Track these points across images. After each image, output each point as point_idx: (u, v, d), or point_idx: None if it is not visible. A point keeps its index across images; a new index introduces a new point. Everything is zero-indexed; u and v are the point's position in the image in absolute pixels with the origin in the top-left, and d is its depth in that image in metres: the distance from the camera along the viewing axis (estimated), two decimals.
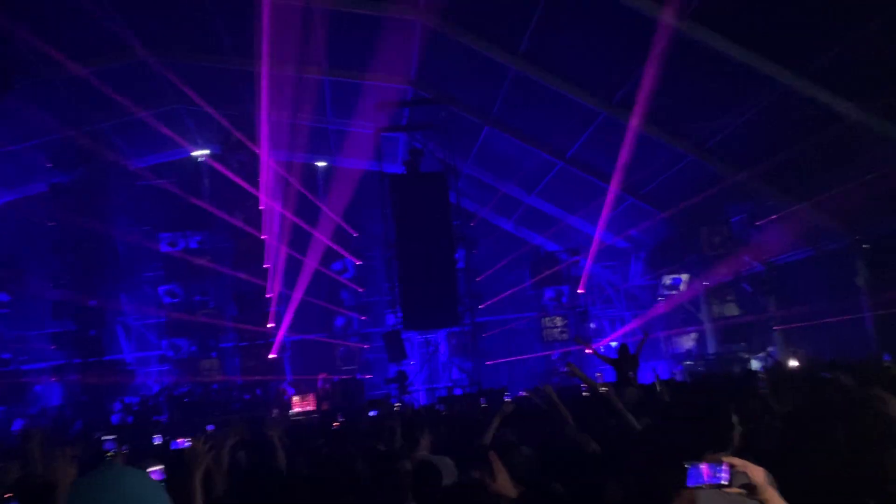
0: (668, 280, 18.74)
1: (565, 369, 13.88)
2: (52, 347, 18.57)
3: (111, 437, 5.29)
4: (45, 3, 14.11)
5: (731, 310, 17.10)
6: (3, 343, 19.30)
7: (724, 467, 2.26)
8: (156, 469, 3.78)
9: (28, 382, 19.12)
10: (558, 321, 19.96)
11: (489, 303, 19.04)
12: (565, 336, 19.91)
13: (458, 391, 17.16)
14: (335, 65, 17.20)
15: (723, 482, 2.26)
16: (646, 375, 11.89)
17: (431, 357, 19.40)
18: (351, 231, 20.40)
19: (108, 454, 4.91)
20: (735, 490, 2.29)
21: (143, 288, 21.31)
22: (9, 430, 16.64)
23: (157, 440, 11.51)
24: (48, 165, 18.70)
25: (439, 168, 17.68)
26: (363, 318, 20.14)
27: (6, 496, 4.50)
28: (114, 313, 19.71)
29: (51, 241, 18.45)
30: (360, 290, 20.25)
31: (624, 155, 16.78)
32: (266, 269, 19.18)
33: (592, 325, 20.65)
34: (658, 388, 8.03)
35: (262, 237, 19.27)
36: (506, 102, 16.66)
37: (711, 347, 17.22)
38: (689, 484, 2.28)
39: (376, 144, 17.55)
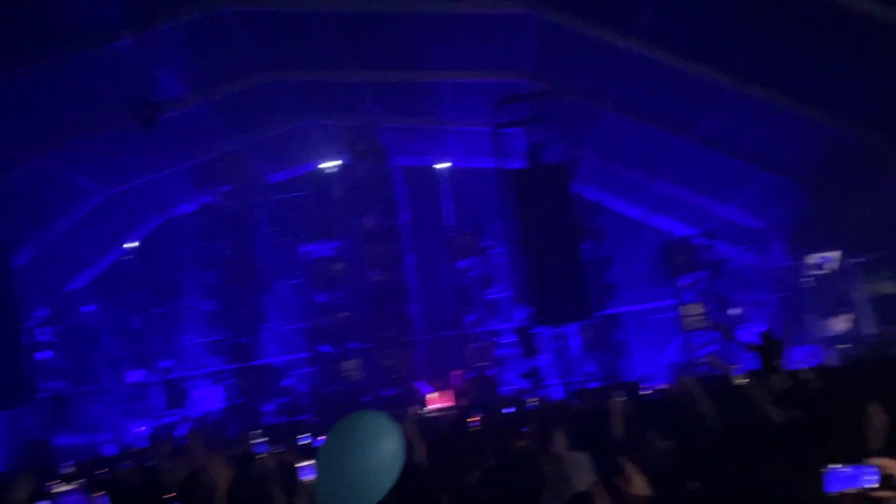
0: (815, 258, 17.55)
1: (707, 361, 13.37)
2: (208, 355, 20.03)
3: (261, 439, 5.60)
4: (176, 38, 15.22)
5: (890, 287, 15.76)
6: (164, 352, 21.02)
7: (871, 469, 2.05)
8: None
9: (188, 388, 20.73)
10: (697, 308, 19.18)
11: (622, 293, 18.57)
12: (706, 324, 19.10)
13: (593, 384, 16.91)
14: (451, 66, 17.44)
15: (868, 486, 2.03)
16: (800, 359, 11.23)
17: (564, 351, 19.20)
18: (476, 229, 20.56)
19: (258, 457, 5.22)
20: (886, 494, 2.04)
21: (287, 295, 22.53)
22: (173, 433, 18.13)
23: (304, 439, 12.18)
24: (195, 187, 20.12)
25: (562, 160, 17.48)
26: (493, 314, 20.25)
27: (170, 496, 4.91)
28: (261, 320, 20.94)
29: (202, 257, 19.88)
30: (489, 287, 20.36)
31: (756, 129, 15.97)
32: (396, 270, 19.72)
33: (735, 311, 19.68)
34: (804, 376, 7.55)
35: (392, 241, 19.83)
36: (626, 86, 16.26)
37: (868, 329, 15.95)
38: (828, 489, 2.07)
39: (497, 141, 17.59)
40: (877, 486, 2.02)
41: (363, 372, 19.65)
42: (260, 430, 15.73)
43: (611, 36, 14.67)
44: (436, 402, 18.60)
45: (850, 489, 2.05)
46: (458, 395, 18.35)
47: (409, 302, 20.46)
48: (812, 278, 18.01)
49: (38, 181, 18.18)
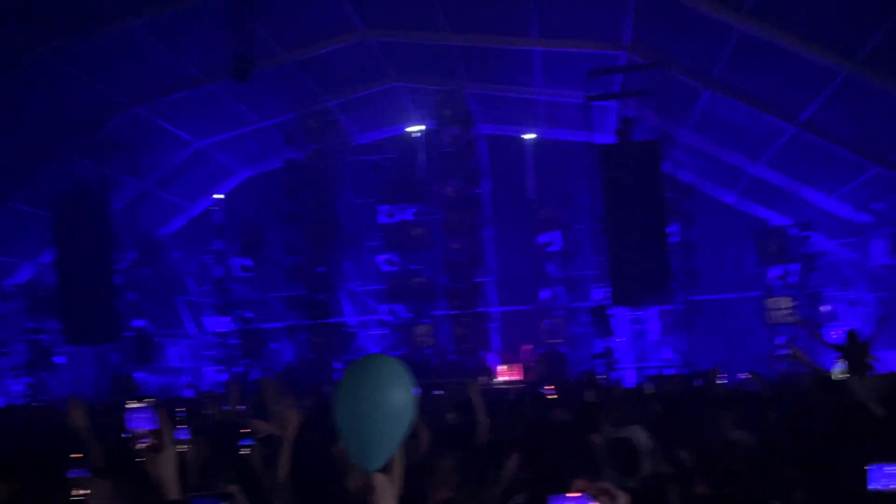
0: None
1: (789, 352, 12.71)
2: (287, 309, 20.51)
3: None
4: None
5: None
6: (247, 304, 21.65)
7: None
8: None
9: (266, 340, 21.34)
10: (785, 302, 18.30)
11: (707, 280, 17.89)
12: (792, 319, 18.23)
13: (668, 371, 16.44)
14: (545, 34, 16.99)
15: None
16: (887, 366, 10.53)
17: (641, 335, 18.73)
18: (559, 204, 20.16)
19: None
20: None
21: (365, 256, 22.79)
22: (247, 380, 18.70)
23: None
24: (283, 143, 20.44)
25: (653, 137, 16.87)
26: (570, 291, 19.92)
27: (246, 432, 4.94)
28: (339, 279, 21.27)
29: (286, 213, 20.25)
30: (568, 263, 19.99)
31: (867, 118, 14.95)
32: (475, 239, 19.60)
33: (826, 308, 18.70)
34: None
35: (473, 210, 19.67)
36: (729, 64, 15.45)
37: None
38: (871, 486, 2.05)
39: (586, 114, 17.10)
40: None
41: (434, 338, 19.73)
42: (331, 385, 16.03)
43: (716, 9, 13.92)
44: (504, 374, 18.51)
45: (893, 487, 2.03)
46: (526, 370, 18.20)
47: (485, 273, 20.33)
48: None
49: (137, 129, 18.86)
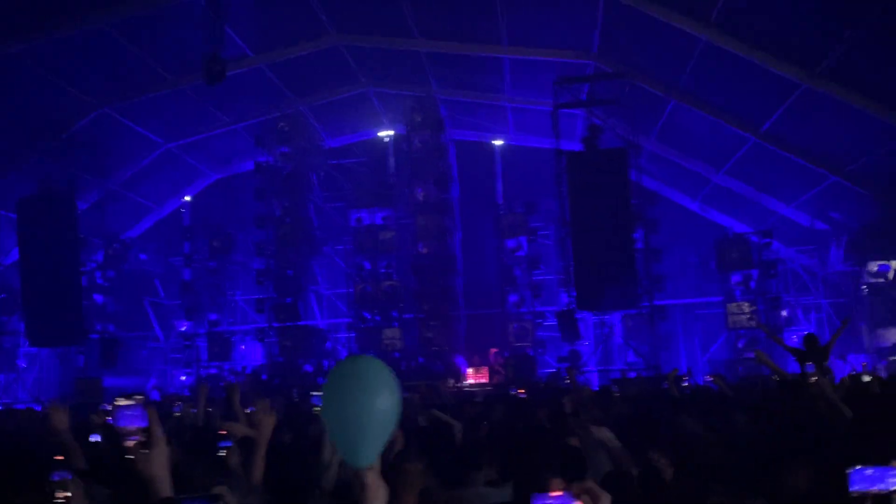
0: (874, 267, 17.01)
1: (752, 356, 13.11)
2: (255, 312, 20.43)
3: (319, 393, 5.77)
4: (250, 1, 15.36)
5: None
6: (213, 305, 21.51)
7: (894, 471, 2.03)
8: None
9: (234, 342, 21.21)
10: (746, 307, 18.78)
11: (670, 285, 18.29)
12: (753, 323, 18.71)
13: (632, 374, 16.76)
14: (514, 41, 17.24)
15: (893, 488, 2.04)
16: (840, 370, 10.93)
17: (606, 339, 19.06)
18: (526, 209, 20.41)
19: (315, 408, 5.45)
20: None
21: (334, 259, 22.81)
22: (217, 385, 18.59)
23: None
24: (253, 146, 20.38)
25: (619, 144, 17.22)
26: (536, 296, 20.18)
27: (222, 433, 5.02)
28: (308, 282, 21.24)
29: (255, 215, 20.18)
30: (534, 268, 20.24)
31: (826, 129, 15.45)
32: (445, 244, 19.75)
33: (784, 313, 19.24)
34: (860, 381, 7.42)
35: (443, 214, 19.83)
36: (694, 74, 15.85)
37: None
38: (852, 488, 2.08)
39: (554, 121, 17.39)
40: None
41: (403, 342, 19.83)
42: (300, 388, 16.05)
43: (682, 22, 14.29)
44: (472, 377, 18.69)
45: (874, 489, 2.05)
46: (492, 373, 18.38)
47: (454, 277, 20.50)
48: (869, 287, 17.49)
49: (105, 130, 18.66)
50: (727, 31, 13.95)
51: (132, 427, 2.14)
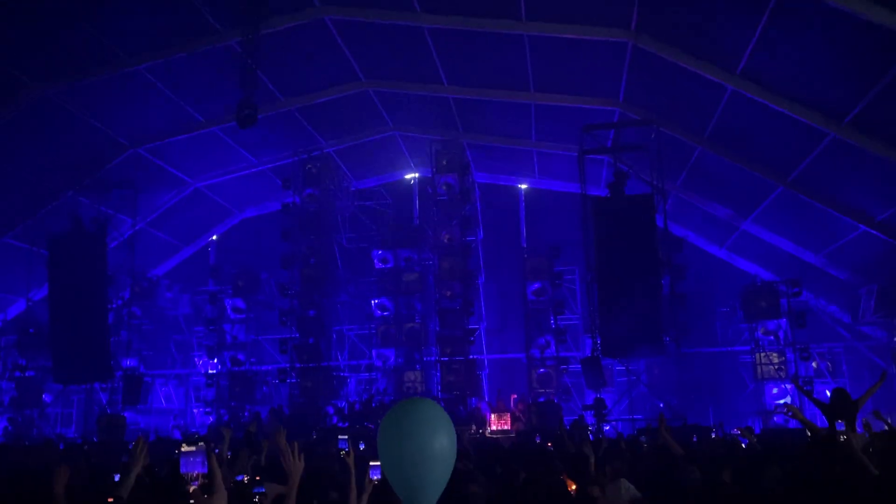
0: None
1: (785, 410, 12.81)
2: (278, 352, 20.45)
3: (345, 436, 5.90)
4: (279, 42, 15.70)
5: None
6: (239, 345, 21.58)
7: None
8: None
9: (258, 382, 21.21)
10: (774, 357, 18.46)
11: (696, 333, 18.03)
12: (782, 374, 18.36)
13: (656, 424, 16.42)
14: (541, 88, 17.41)
15: None
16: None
17: (632, 387, 18.77)
18: (550, 253, 20.35)
19: (342, 452, 5.47)
20: None
21: (357, 300, 22.85)
22: (240, 422, 18.54)
23: (361, 446, 12.25)
24: (280, 187, 20.63)
25: (645, 191, 17.19)
26: (560, 342, 20.01)
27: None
28: (331, 322, 21.26)
29: (280, 255, 20.34)
30: (558, 313, 20.11)
31: (855, 179, 15.31)
32: (468, 286, 19.70)
33: (814, 364, 18.86)
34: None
35: (467, 257, 19.82)
36: (721, 122, 15.87)
37: None
38: None
39: (580, 167, 17.45)
40: None
41: (424, 385, 19.69)
42: (319, 429, 15.96)
43: (709, 70, 14.37)
44: (494, 423, 18.44)
45: None
46: (514, 420, 18.10)
47: (477, 320, 20.41)
48: None
49: (136, 169, 19.03)
50: (753, 79, 13.98)
51: (194, 473, 2.25)
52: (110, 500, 2.98)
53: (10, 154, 16.41)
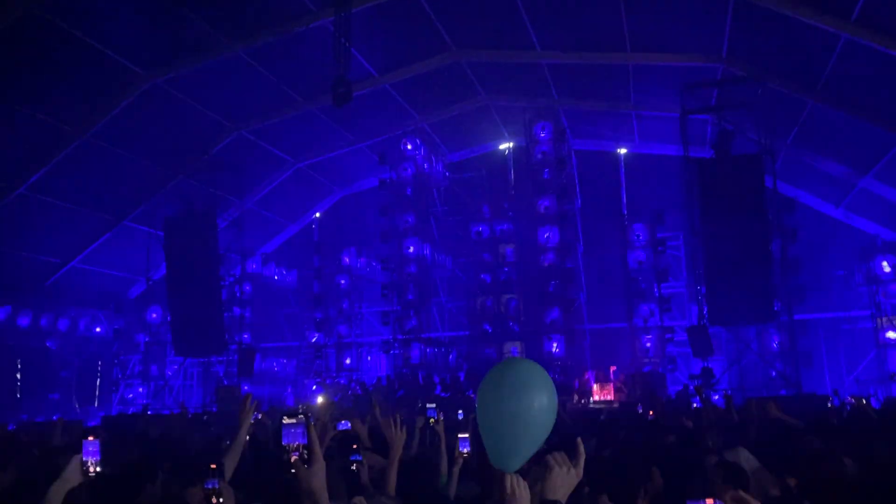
0: None
1: None
2: (379, 324, 20.98)
3: (433, 405, 5.98)
4: (370, 18, 15.81)
5: None
6: (341, 317, 22.27)
7: None
8: None
9: (361, 353, 21.86)
10: None
11: (811, 298, 17.11)
12: None
13: (768, 394, 15.78)
14: (638, 47, 16.79)
15: None
16: None
17: (741, 355, 18.08)
18: (653, 220, 19.75)
19: (431, 420, 5.56)
20: None
21: (456, 273, 23.03)
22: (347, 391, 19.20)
23: (460, 415, 12.38)
24: (377, 163, 20.97)
25: (753, 150, 16.35)
26: (666, 309, 19.47)
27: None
28: (430, 294, 21.55)
29: (380, 230, 20.73)
30: (662, 281, 19.54)
31: None
32: (567, 256, 19.43)
33: None
34: None
35: (566, 226, 19.53)
36: (834, 74, 14.84)
37: None
38: None
39: (683, 127, 16.76)
40: None
41: (525, 356, 19.66)
42: (425, 398, 16.26)
43: (821, 19, 13.41)
44: (596, 394, 18.24)
45: None
46: (616, 390, 17.83)
47: (577, 290, 20.15)
48: None
49: (241, 151, 19.80)
50: (870, 26, 12.96)
51: (295, 444, 2.33)
52: (213, 465, 3.13)
53: (125, 141, 17.41)
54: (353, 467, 4.55)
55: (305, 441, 2.30)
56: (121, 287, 22.37)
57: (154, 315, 21.24)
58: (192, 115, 17.91)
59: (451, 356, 21.39)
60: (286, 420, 2.32)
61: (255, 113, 19.21)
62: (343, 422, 6.24)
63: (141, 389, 21.43)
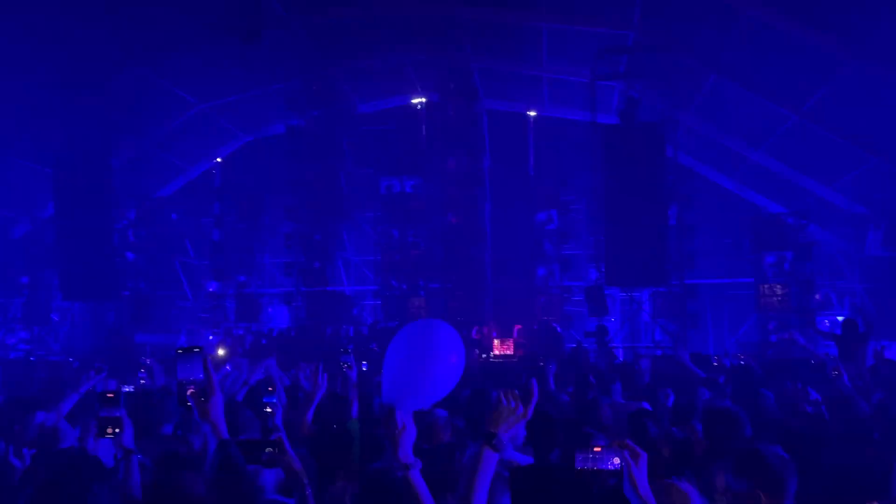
0: None
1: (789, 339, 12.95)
2: (282, 275, 20.62)
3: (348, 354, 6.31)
4: None
5: None
6: (242, 267, 21.73)
7: None
8: None
9: (262, 304, 21.44)
10: (778, 289, 18.48)
11: (701, 264, 18.04)
12: (784, 305, 18.43)
13: (658, 352, 16.63)
14: (554, 10, 16.90)
15: None
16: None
17: (634, 315, 18.91)
18: (558, 182, 20.20)
19: (345, 365, 6.09)
20: None
21: (363, 226, 22.86)
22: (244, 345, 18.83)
23: (364, 366, 12.43)
24: (285, 109, 20.35)
25: (656, 119, 16.90)
26: (565, 270, 20.03)
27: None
28: (336, 248, 21.32)
29: (285, 179, 20.23)
30: (564, 242, 20.10)
31: (871, 109, 15.00)
32: (474, 215, 19.64)
33: (817, 297, 18.90)
34: None
35: (474, 184, 19.68)
36: (738, 49, 15.44)
37: None
38: None
39: (592, 93, 17.10)
40: None
41: (428, 311, 19.84)
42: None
43: None
44: (497, 349, 18.67)
45: None
46: (517, 346, 18.32)
47: (482, 248, 20.42)
48: None
49: (139, 88, 18.73)
50: (774, 3, 13.53)
51: (191, 378, 2.35)
52: (109, 395, 3.04)
53: (13, 70, 16.11)
54: (268, 409, 4.70)
55: (201, 376, 2.33)
56: (2, 226, 20.95)
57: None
58: (86, 46, 16.73)
59: (354, 310, 21.32)
60: (181, 353, 2.30)
61: (157, 48, 18.14)
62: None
63: (23, 335, 20.27)
